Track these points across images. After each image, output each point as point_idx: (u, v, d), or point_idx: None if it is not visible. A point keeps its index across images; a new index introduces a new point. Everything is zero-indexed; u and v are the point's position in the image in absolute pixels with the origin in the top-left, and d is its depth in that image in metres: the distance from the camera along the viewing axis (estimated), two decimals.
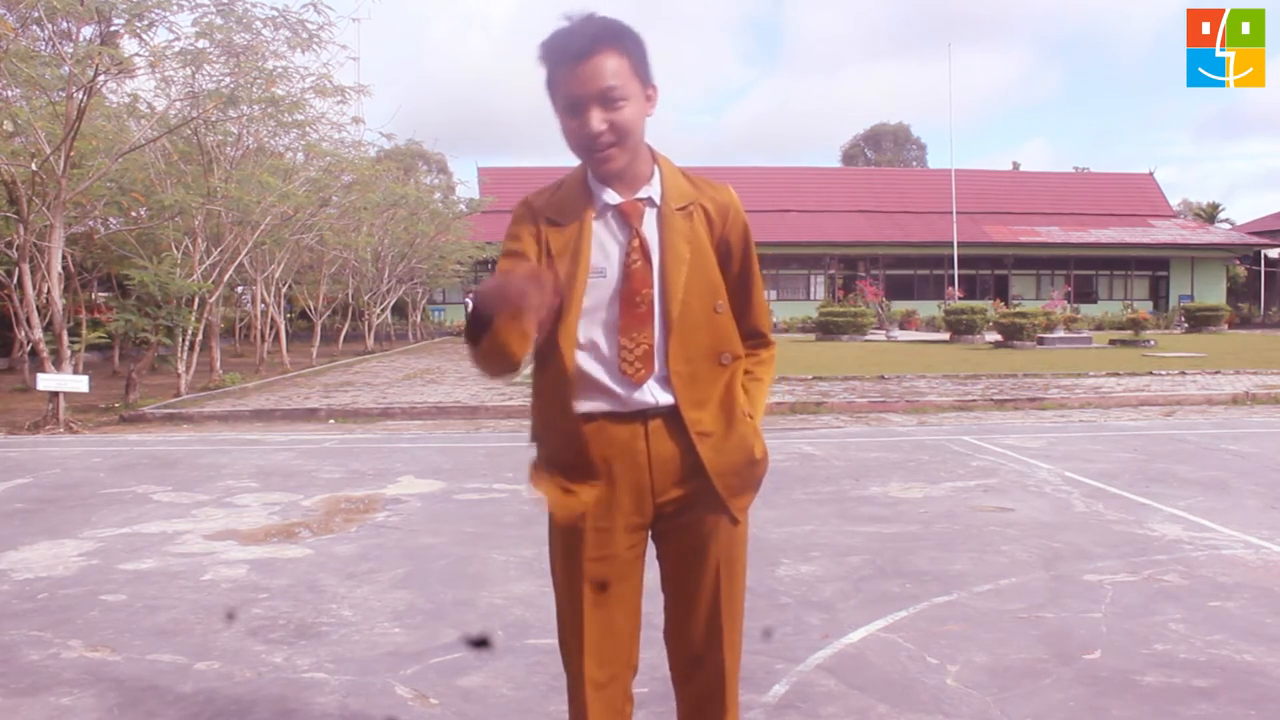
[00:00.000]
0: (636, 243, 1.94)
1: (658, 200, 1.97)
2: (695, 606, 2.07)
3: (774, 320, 29.17)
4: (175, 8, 10.87)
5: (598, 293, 1.93)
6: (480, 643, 3.80)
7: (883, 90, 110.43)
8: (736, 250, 2.04)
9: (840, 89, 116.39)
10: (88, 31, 12.61)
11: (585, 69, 1.81)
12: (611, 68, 1.82)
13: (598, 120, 1.83)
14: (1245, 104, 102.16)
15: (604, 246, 1.95)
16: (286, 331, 21.27)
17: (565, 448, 1.98)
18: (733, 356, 2.02)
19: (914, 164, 62.22)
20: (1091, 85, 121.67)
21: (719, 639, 2.06)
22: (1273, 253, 44.50)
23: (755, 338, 2.13)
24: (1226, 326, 33.93)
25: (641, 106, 1.89)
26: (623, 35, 1.85)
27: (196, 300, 13.74)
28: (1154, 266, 43.36)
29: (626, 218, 1.95)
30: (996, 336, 24.95)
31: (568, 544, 2.05)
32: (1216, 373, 15.33)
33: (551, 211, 1.97)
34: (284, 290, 21.47)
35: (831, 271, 41.61)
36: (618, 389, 1.94)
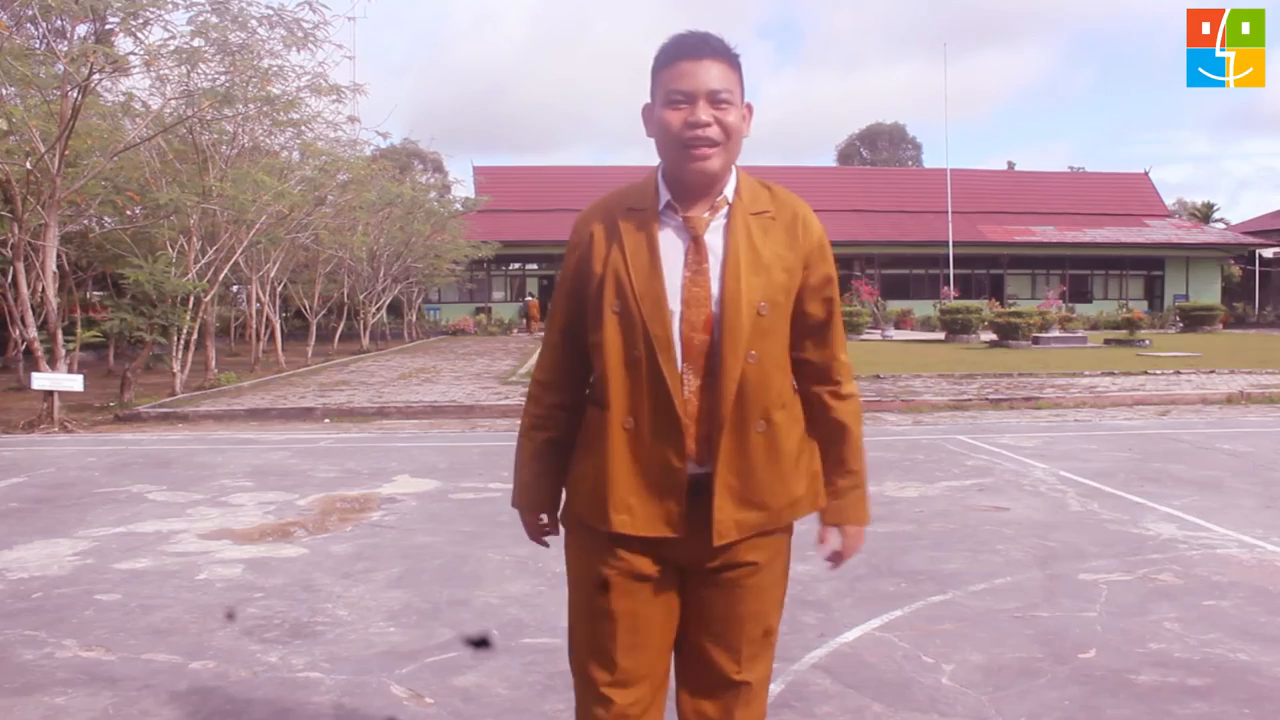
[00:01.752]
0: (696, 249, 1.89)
1: (730, 199, 1.92)
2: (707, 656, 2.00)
3: None
4: (170, 6, 10.85)
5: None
6: (480, 642, 3.80)
7: (882, 92, 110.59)
8: (816, 270, 1.95)
9: (839, 90, 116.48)
10: (82, 29, 12.58)
11: (701, 66, 1.85)
12: (724, 74, 1.86)
13: (705, 112, 1.84)
14: (1244, 104, 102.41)
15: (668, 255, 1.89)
16: (282, 331, 21.23)
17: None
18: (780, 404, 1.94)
19: (909, 163, 62.23)
20: (1091, 85, 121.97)
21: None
22: (1267, 252, 44.61)
23: (828, 382, 2.01)
24: (1221, 326, 34.00)
25: (740, 121, 1.89)
26: (735, 55, 1.90)
27: (191, 299, 13.70)
28: (1149, 266, 43.41)
29: (691, 225, 1.89)
30: (992, 336, 24.97)
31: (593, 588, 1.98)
32: (1211, 372, 15.36)
33: (621, 214, 1.93)
34: (279, 289, 21.43)
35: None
36: None
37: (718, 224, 1.90)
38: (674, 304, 1.85)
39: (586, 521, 1.94)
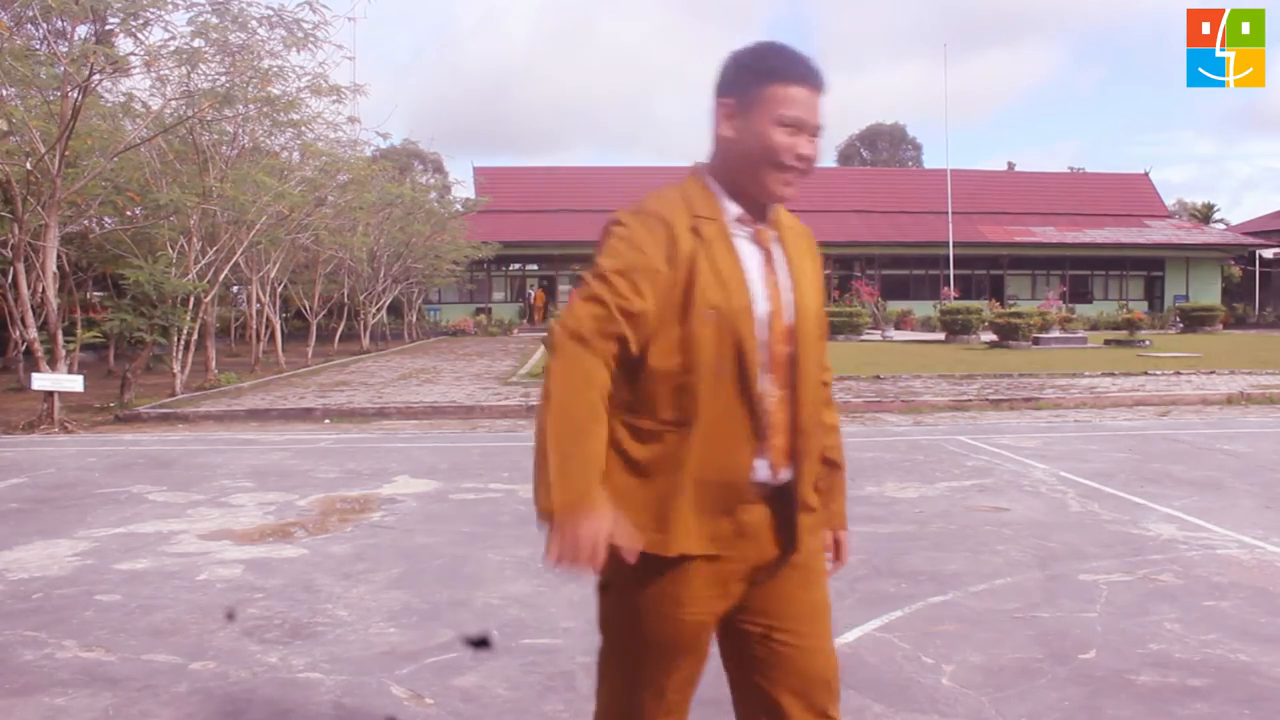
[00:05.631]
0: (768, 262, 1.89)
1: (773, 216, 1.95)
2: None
3: None
4: (170, 7, 10.85)
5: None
6: (480, 643, 3.80)
7: (884, 93, 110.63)
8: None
9: (842, 91, 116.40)
10: (83, 30, 12.59)
11: (816, 99, 1.85)
12: (824, 108, 1.88)
13: (810, 146, 1.84)
14: (1247, 105, 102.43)
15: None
16: (282, 331, 21.23)
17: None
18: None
19: (909, 164, 62.24)
20: (1093, 86, 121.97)
21: None
22: (1267, 253, 44.61)
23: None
24: (1221, 327, 33.99)
25: None
26: None
27: (192, 300, 13.70)
28: (1149, 267, 43.42)
29: (760, 238, 1.89)
30: (992, 336, 24.97)
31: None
32: (1211, 373, 15.36)
33: (696, 222, 1.83)
34: (279, 290, 21.42)
35: (827, 271, 41.62)
36: None
37: (774, 238, 1.91)
38: (761, 316, 1.83)
39: (647, 549, 1.78)
